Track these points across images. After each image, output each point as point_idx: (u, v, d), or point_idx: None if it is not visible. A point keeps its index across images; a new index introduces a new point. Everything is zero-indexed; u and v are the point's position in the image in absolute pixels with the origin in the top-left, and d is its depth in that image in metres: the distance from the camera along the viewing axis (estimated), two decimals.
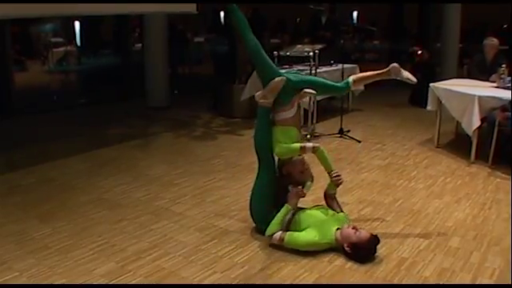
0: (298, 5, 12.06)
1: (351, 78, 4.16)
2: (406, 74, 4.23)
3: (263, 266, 3.56)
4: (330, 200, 4.08)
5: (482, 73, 6.83)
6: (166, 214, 4.52)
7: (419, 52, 10.22)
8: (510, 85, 6.08)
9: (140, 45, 13.45)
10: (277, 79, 3.87)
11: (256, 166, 4.08)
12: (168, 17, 9.96)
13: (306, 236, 3.69)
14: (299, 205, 3.97)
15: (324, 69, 7.87)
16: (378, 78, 4.26)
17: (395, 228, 4.20)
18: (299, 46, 8.12)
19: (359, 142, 6.91)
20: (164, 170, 5.74)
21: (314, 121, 7.42)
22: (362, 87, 8.25)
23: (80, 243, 3.93)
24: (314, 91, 4.10)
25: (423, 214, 4.50)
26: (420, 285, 3.34)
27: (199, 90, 10.56)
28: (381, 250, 3.70)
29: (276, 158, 4.06)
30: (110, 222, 4.33)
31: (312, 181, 4.02)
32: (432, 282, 3.37)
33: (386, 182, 5.35)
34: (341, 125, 7.23)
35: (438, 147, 6.60)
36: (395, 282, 3.36)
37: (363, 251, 3.59)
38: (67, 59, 15.59)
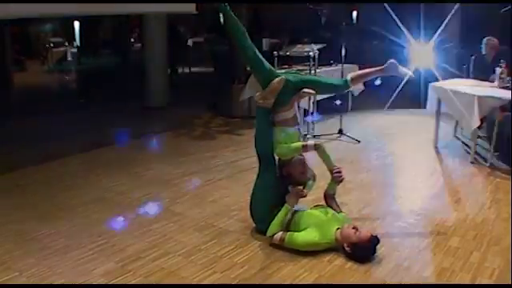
0: (298, 5, 12.06)
1: (349, 76, 4.17)
2: (403, 70, 4.23)
3: (263, 266, 3.56)
4: (329, 200, 4.09)
5: (482, 73, 6.82)
6: (166, 213, 4.52)
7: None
8: (509, 85, 6.07)
9: (139, 45, 13.47)
10: (276, 80, 3.87)
11: (256, 165, 4.09)
12: (167, 17, 9.97)
13: (306, 236, 3.69)
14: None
15: (324, 69, 7.87)
16: (376, 75, 4.27)
17: (395, 228, 4.19)
18: (299, 45, 8.12)
19: (358, 141, 6.91)
20: (163, 170, 5.74)
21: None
22: (361, 87, 8.27)
23: (79, 243, 3.92)
24: (313, 91, 4.11)
25: (423, 213, 4.50)
26: (419, 285, 3.34)
27: (199, 90, 10.55)
28: (380, 249, 3.70)
29: (276, 159, 4.06)
30: (110, 221, 4.33)
31: (314, 180, 4.02)
32: (431, 281, 3.37)
33: (386, 181, 5.35)
34: (340, 125, 7.23)
35: (437, 147, 6.60)
36: (395, 281, 3.36)
37: (363, 251, 3.59)
38: (66, 59, 15.60)
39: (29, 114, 8.97)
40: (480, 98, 5.77)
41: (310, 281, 3.38)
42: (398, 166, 5.89)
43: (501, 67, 6.30)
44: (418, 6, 10.94)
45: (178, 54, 13.32)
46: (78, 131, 7.69)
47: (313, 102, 7.24)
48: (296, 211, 3.87)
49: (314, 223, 3.76)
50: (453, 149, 6.50)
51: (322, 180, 4.12)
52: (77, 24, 16.40)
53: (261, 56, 4.00)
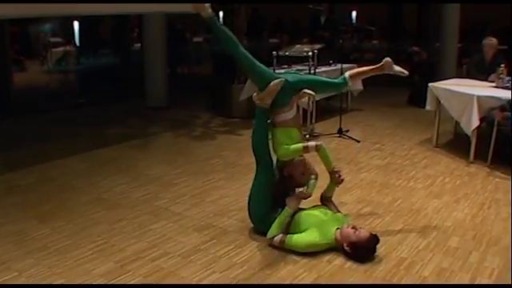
0: (298, 5, 12.07)
1: (347, 74, 4.18)
2: (398, 68, 4.28)
3: (262, 266, 3.56)
4: (326, 203, 4.09)
5: (481, 72, 6.83)
6: (165, 213, 4.52)
7: (418, 50, 10.24)
8: (508, 84, 6.08)
9: (139, 44, 13.46)
10: (274, 82, 3.85)
11: (255, 166, 4.08)
12: (167, 17, 9.96)
13: (306, 238, 3.69)
14: (299, 206, 3.98)
15: (323, 69, 7.87)
16: (373, 73, 4.29)
17: (394, 228, 4.20)
18: (298, 45, 8.13)
19: (358, 141, 6.91)
20: (163, 170, 5.74)
21: (313, 121, 7.42)
22: (360, 86, 8.28)
23: (79, 243, 3.93)
24: (313, 92, 4.12)
25: (422, 213, 4.50)
26: (419, 285, 3.34)
27: (198, 90, 10.55)
28: (380, 249, 3.71)
29: (274, 159, 4.06)
30: (110, 221, 4.33)
31: (316, 178, 4.02)
32: (431, 281, 3.37)
33: (385, 181, 5.35)
34: (340, 125, 7.24)
35: (436, 147, 6.60)
36: (394, 281, 3.37)
37: (363, 251, 3.60)
38: (66, 59, 15.58)
39: (28, 114, 8.97)
40: (479, 97, 5.78)
41: (309, 281, 3.38)
42: (398, 165, 5.89)
43: (500, 67, 6.31)
44: None
45: (178, 53, 13.34)
46: (78, 131, 7.70)
47: (312, 102, 7.24)
48: (296, 212, 3.87)
49: (313, 224, 3.76)
50: (452, 148, 6.49)
51: (322, 180, 4.12)
52: (76, 24, 16.38)
53: (257, 62, 3.97)
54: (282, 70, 7.34)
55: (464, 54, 11.46)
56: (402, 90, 9.69)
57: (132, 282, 3.37)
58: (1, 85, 9.58)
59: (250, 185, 4.08)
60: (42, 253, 3.77)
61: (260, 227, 3.99)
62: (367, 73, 4.30)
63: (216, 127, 7.98)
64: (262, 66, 4.01)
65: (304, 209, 3.95)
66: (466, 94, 5.94)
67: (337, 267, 3.54)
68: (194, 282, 3.38)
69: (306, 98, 4.62)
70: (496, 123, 5.57)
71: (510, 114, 5.50)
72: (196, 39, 16.21)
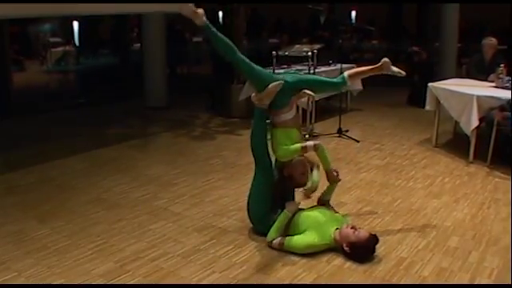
0: (297, 5, 12.07)
1: (346, 73, 4.18)
2: (396, 69, 4.29)
3: (262, 266, 3.56)
4: (324, 206, 4.09)
5: (481, 72, 6.83)
6: (165, 213, 4.52)
7: (418, 50, 10.25)
8: (508, 84, 6.08)
9: (138, 44, 13.45)
10: (273, 84, 3.84)
11: (254, 166, 4.08)
12: (166, 16, 9.96)
13: (305, 239, 3.69)
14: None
15: (322, 69, 7.87)
16: (371, 73, 4.31)
17: (394, 228, 4.20)
18: (298, 45, 8.13)
19: (358, 141, 6.91)
20: (163, 170, 5.74)
21: (313, 121, 7.43)
22: (360, 86, 8.28)
23: (79, 243, 3.93)
24: (312, 93, 4.12)
25: (422, 213, 4.50)
26: (418, 285, 3.35)
27: (198, 90, 10.55)
28: (379, 249, 3.71)
29: (273, 160, 4.06)
30: (109, 221, 4.33)
31: (318, 168, 4.02)
32: (430, 281, 3.37)
33: (385, 181, 5.35)
34: (339, 125, 7.24)
35: (436, 147, 6.60)
36: (394, 281, 3.37)
37: (362, 251, 3.60)
38: (66, 59, 15.58)
39: (28, 114, 8.96)
40: (479, 97, 5.78)
41: (308, 281, 3.38)
42: (397, 165, 5.89)
43: (499, 67, 6.31)
44: None
45: (177, 53, 13.33)
46: (78, 131, 7.69)
47: (311, 102, 7.25)
48: (294, 213, 3.87)
49: (312, 225, 3.75)
50: (452, 148, 6.50)
51: (321, 180, 4.12)
52: (76, 24, 16.38)
53: (254, 65, 3.95)
54: (282, 70, 7.34)
55: (463, 54, 11.47)
56: (402, 89, 9.69)
57: (131, 282, 3.37)
58: (0, 85, 9.58)
59: (250, 185, 4.09)
60: (41, 253, 3.77)
61: (259, 227, 3.99)
62: (366, 73, 4.32)
63: (215, 127, 7.98)
64: (259, 68, 4.00)
65: (303, 209, 3.95)
66: (466, 94, 5.94)
67: (336, 267, 3.54)
68: (194, 281, 3.38)
69: (306, 97, 4.62)
70: (495, 123, 5.57)
71: (509, 113, 5.51)
72: (195, 39, 16.20)
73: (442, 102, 6.41)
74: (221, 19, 13.73)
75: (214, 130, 7.78)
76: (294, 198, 4.14)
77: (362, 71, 4.33)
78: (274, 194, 3.97)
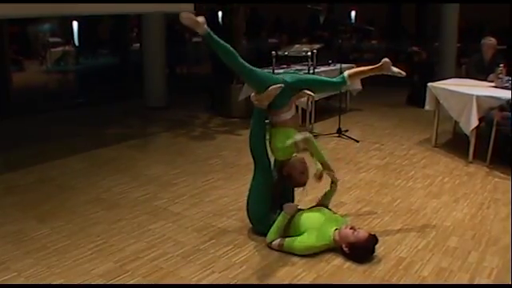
0: (296, 5, 12.06)
1: (346, 73, 4.18)
2: (396, 69, 4.29)
3: (261, 266, 3.57)
4: None
5: (480, 72, 6.83)
6: (164, 213, 4.52)
7: (418, 50, 10.26)
8: (507, 84, 6.08)
9: (138, 44, 13.44)
10: (274, 87, 3.82)
11: (253, 166, 4.08)
12: (166, 17, 9.96)
13: (305, 240, 3.68)
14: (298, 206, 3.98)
15: (322, 68, 7.87)
16: (371, 73, 4.31)
17: (393, 228, 4.20)
18: (297, 45, 8.13)
19: (357, 141, 6.91)
20: (162, 170, 5.74)
21: (312, 121, 7.43)
22: (359, 86, 8.28)
23: (78, 243, 3.92)
24: (312, 93, 4.12)
25: (421, 213, 4.51)
26: (418, 285, 3.35)
27: (197, 90, 10.55)
28: (379, 249, 3.71)
29: (272, 160, 4.06)
30: (109, 221, 4.33)
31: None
32: (430, 281, 3.38)
33: (384, 181, 5.35)
34: (339, 124, 7.24)
35: (435, 147, 6.60)
36: (393, 281, 3.37)
37: (361, 251, 3.60)
38: (65, 59, 15.57)
39: (27, 114, 8.96)
40: (478, 97, 5.78)
41: (308, 281, 3.38)
42: (397, 165, 5.89)
43: (499, 67, 6.31)
44: None
45: (177, 53, 13.32)
46: (77, 131, 7.69)
47: (311, 102, 7.25)
48: (294, 214, 3.86)
49: (311, 226, 3.75)
50: (451, 148, 6.50)
51: (321, 185, 4.11)
52: (75, 24, 16.37)
53: (255, 69, 3.95)
54: (281, 70, 7.34)
55: (463, 54, 11.47)
56: (401, 89, 9.69)
57: (131, 282, 3.38)
58: (0, 85, 9.57)
59: (249, 185, 4.08)
60: (41, 253, 3.77)
61: (259, 227, 3.99)
62: (366, 73, 4.32)
63: (215, 127, 7.98)
64: (260, 71, 4.01)
65: (302, 210, 3.94)
66: (465, 94, 5.95)
67: (336, 267, 3.54)
68: (193, 281, 3.38)
69: (305, 97, 4.62)
70: (495, 123, 5.57)
71: (509, 113, 5.51)
72: (195, 39, 16.18)
73: (441, 101, 6.41)
74: (220, 19, 13.74)
75: (213, 130, 7.78)
76: (293, 198, 4.15)
77: (362, 71, 4.33)
78: (274, 194, 3.97)
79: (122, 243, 3.93)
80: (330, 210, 4.08)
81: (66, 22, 16.49)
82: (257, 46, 12.36)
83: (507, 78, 6.21)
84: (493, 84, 6.36)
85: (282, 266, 3.55)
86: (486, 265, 3.58)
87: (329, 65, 8.30)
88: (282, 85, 3.86)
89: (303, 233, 3.73)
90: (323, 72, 7.66)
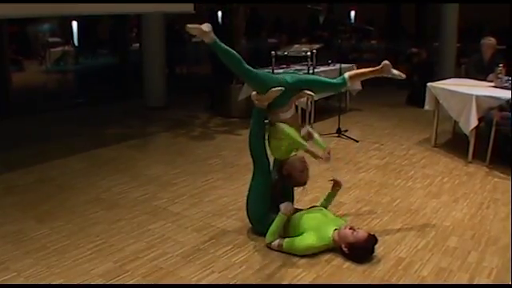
0: (296, 5, 12.06)
1: (347, 74, 4.18)
2: (396, 72, 4.31)
3: (261, 266, 3.57)
4: None
5: (480, 72, 6.83)
6: (164, 213, 4.52)
7: (417, 51, 10.27)
8: (507, 84, 6.09)
9: (138, 44, 13.43)
10: (275, 89, 3.81)
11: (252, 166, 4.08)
12: (166, 17, 9.95)
13: (305, 241, 3.68)
14: (297, 206, 3.98)
15: (321, 68, 7.88)
16: (371, 75, 4.31)
17: (393, 228, 4.20)
18: (297, 45, 8.13)
19: (357, 141, 6.92)
20: (162, 170, 5.74)
21: (312, 120, 7.43)
22: (359, 86, 8.28)
23: (78, 243, 3.92)
24: (312, 93, 4.13)
25: (421, 213, 4.51)
26: (418, 285, 3.35)
27: (197, 90, 10.55)
28: (378, 249, 3.71)
29: (271, 160, 4.06)
30: (108, 221, 4.33)
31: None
32: (429, 281, 3.38)
33: (384, 181, 5.35)
34: (338, 124, 7.24)
35: (435, 147, 6.60)
36: (393, 281, 3.37)
37: (360, 251, 3.60)
38: (65, 59, 15.57)
39: (27, 114, 8.96)
40: (478, 97, 5.79)
41: (308, 281, 3.38)
42: (397, 165, 5.90)
43: (498, 67, 6.31)
44: None
45: (176, 53, 13.32)
46: (77, 131, 7.70)
47: (311, 102, 7.25)
48: (293, 214, 3.86)
49: (311, 226, 3.75)
50: (451, 148, 6.50)
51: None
52: (75, 24, 16.36)
53: (259, 72, 3.96)
54: (281, 70, 7.34)
55: (462, 54, 11.47)
56: (401, 89, 9.69)
57: (131, 282, 3.38)
58: None
59: (249, 185, 4.08)
60: (40, 253, 3.77)
61: (258, 227, 3.99)
62: (366, 74, 4.32)
63: (215, 127, 7.98)
64: (263, 74, 4.01)
65: (302, 210, 3.94)
66: (465, 94, 5.95)
67: (335, 267, 3.54)
68: (193, 281, 3.38)
69: (305, 97, 4.62)
70: (494, 123, 5.58)
71: (508, 113, 5.51)
72: (194, 39, 16.18)
73: (441, 101, 6.41)
74: (220, 19, 13.72)
75: (213, 130, 7.78)
76: (293, 198, 4.15)
77: (363, 73, 4.33)
78: (274, 194, 3.97)
79: (121, 243, 3.93)
80: (329, 210, 4.09)
81: (66, 21, 16.48)
82: (256, 46, 12.35)
83: (507, 77, 6.22)
84: (492, 84, 6.36)
85: (282, 266, 3.55)
86: (485, 265, 3.58)
87: (328, 65, 8.30)
88: (283, 88, 3.85)
89: (303, 233, 3.73)
90: (323, 72, 7.66)
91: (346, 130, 7.30)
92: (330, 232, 3.71)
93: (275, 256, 3.69)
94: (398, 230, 4.15)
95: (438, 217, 4.42)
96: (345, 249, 3.60)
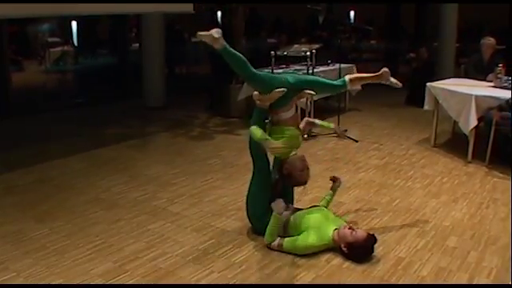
0: (296, 5, 12.06)
1: (347, 77, 4.20)
2: (394, 80, 4.43)
3: (260, 266, 3.57)
4: None
5: (479, 72, 6.84)
6: (164, 213, 4.52)
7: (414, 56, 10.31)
8: (506, 84, 6.09)
9: (137, 44, 13.43)
10: (277, 90, 3.82)
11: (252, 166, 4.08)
12: (165, 17, 9.95)
13: (305, 240, 3.68)
14: (296, 206, 3.98)
15: (321, 68, 7.87)
16: (371, 81, 4.41)
17: (392, 227, 4.20)
18: (296, 45, 8.13)
19: (356, 141, 6.92)
20: (161, 170, 5.74)
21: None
22: (359, 87, 8.27)
23: (77, 243, 3.92)
24: (313, 92, 4.14)
25: (420, 213, 4.51)
26: (417, 285, 3.35)
27: (196, 90, 10.55)
28: (378, 249, 3.71)
29: (271, 160, 4.06)
30: (108, 221, 4.33)
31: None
32: (429, 281, 3.38)
33: (383, 181, 5.36)
34: (338, 124, 7.23)
35: (434, 147, 6.61)
36: (392, 281, 3.37)
37: (360, 251, 3.60)
38: (64, 59, 15.56)
39: (27, 114, 8.95)
40: (477, 97, 5.79)
41: (307, 281, 3.38)
42: (396, 165, 5.90)
43: (498, 67, 6.32)
44: None
45: (176, 53, 13.32)
46: (76, 131, 7.69)
47: (310, 102, 7.25)
48: (293, 213, 3.86)
49: (311, 226, 3.75)
50: (450, 148, 6.50)
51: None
52: (74, 24, 16.36)
53: (264, 75, 3.97)
54: (280, 70, 7.33)
55: (462, 54, 11.47)
56: (401, 89, 9.65)
57: (130, 282, 3.38)
58: None
59: (248, 185, 4.08)
60: (40, 253, 3.77)
61: (258, 227, 3.99)
62: (366, 79, 4.41)
63: (214, 127, 7.98)
64: (267, 76, 4.02)
65: (301, 210, 3.95)
66: (464, 94, 5.95)
67: (335, 267, 3.54)
68: (193, 281, 3.38)
69: (305, 97, 4.64)
70: (494, 123, 5.58)
71: (508, 113, 5.51)
72: (194, 39, 16.17)
73: (440, 101, 6.41)
74: (219, 19, 13.71)
75: (212, 130, 7.78)
76: (293, 197, 4.15)
77: (363, 77, 4.41)
78: (274, 193, 3.97)
79: (121, 243, 3.93)
80: (329, 210, 4.09)
81: (65, 21, 16.47)
82: (256, 46, 12.35)
83: (506, 77, 6.22)
84: (492, 84, 6.37)
85: (282, 266, 3.55)
86: (485, 264, 3.58)
87: (328, 65, 8.30)
88: (285, 89, 3.85)
89: (303, 232, 3.73)
90: (322, 72, 7.66)
91: (346, 130, 7.24)
92: (330, 232, 3.71)
93: (275, 256, 3.70)
94: (398, 230, 4.15)
95: (438, 217, 4.42)
96: (344, 248, 3.60)
